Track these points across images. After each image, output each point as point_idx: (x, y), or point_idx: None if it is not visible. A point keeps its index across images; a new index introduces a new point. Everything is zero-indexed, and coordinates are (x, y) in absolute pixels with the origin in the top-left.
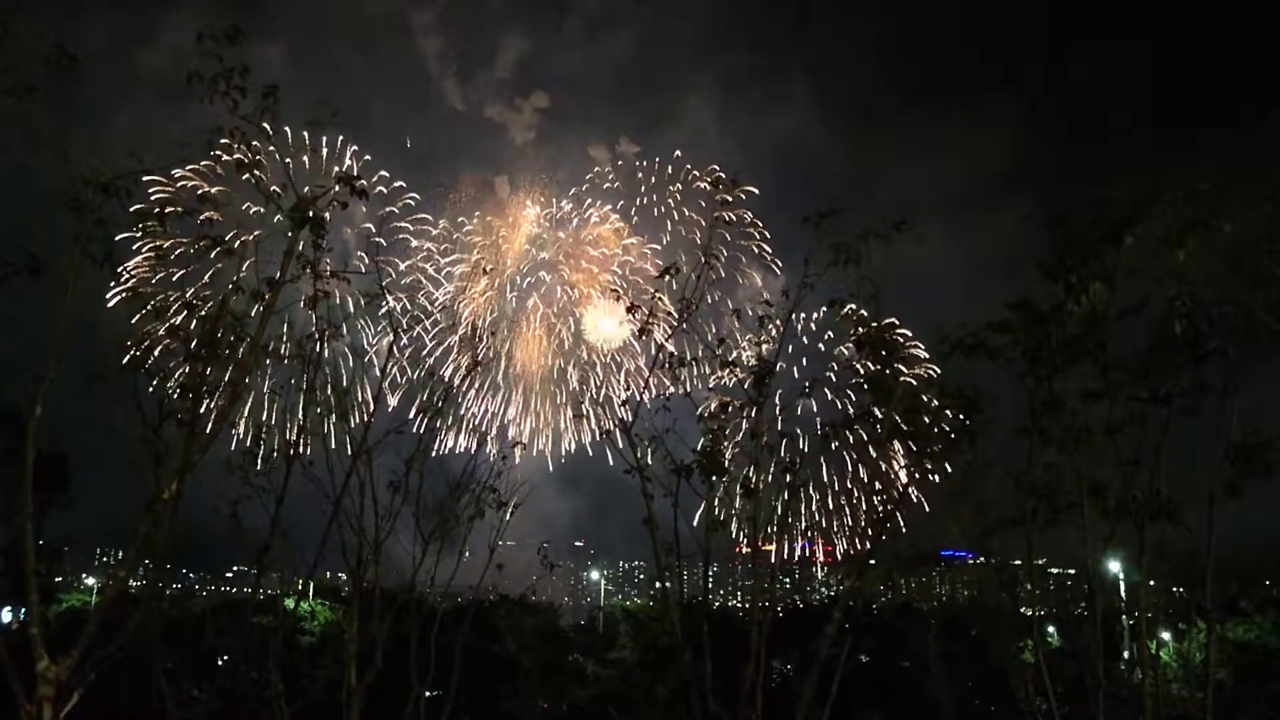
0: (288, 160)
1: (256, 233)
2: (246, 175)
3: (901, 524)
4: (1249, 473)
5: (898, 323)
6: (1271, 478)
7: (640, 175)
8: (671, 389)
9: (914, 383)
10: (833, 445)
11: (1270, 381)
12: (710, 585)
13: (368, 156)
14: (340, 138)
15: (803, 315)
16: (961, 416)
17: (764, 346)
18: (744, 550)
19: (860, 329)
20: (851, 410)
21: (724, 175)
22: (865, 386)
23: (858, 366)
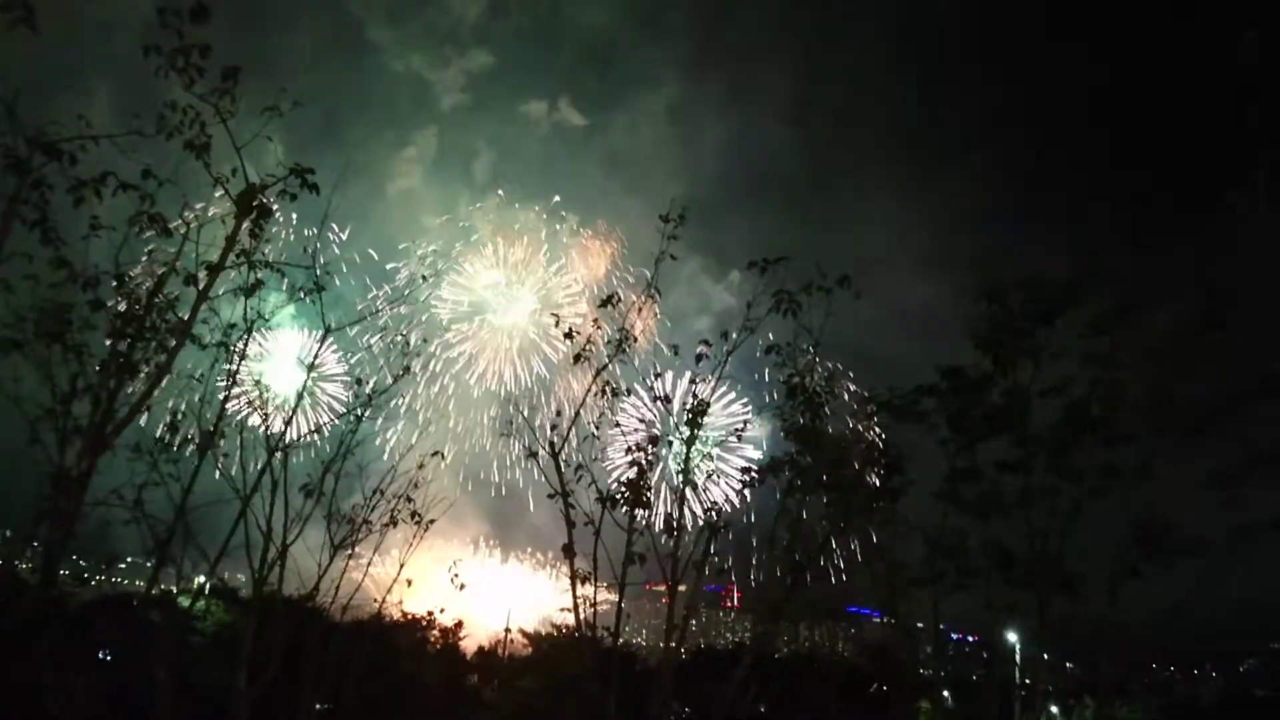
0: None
1: (198, 215)
2: (195, 156)
3: (815, 576)
4: (1149, 556)
5: (837, 373)
6: (1169, 564)
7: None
8: (602, 415)
9: (843, 434)
10: (754, 489)
11: (1178, 471)
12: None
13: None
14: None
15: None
16: (884, 475)
17: (699, 385)
18: (655, 587)
19: (795, 377)
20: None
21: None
22: (788, 436)
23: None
